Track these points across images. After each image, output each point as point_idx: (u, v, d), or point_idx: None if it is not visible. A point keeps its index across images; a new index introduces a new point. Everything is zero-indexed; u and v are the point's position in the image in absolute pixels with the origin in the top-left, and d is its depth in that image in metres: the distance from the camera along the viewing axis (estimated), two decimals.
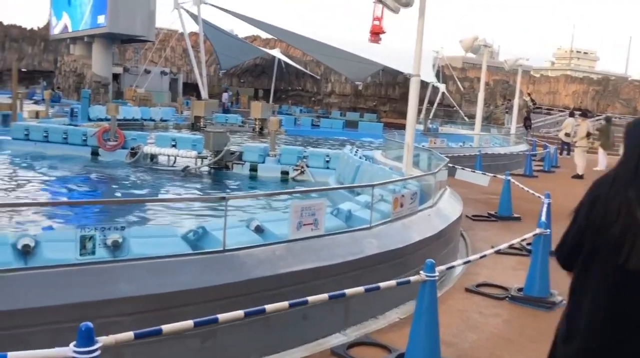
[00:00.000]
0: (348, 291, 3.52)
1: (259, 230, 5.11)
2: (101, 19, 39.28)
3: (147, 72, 45.72)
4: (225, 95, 38.90)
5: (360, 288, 3.59)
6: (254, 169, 14.51)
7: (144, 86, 42.72)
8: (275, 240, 4.70)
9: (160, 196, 11.85)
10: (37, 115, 22.82)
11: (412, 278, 3.89)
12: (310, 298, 3.32)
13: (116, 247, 4.05)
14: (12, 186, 11.51)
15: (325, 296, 3.41)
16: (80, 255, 3.70)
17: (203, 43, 46.33)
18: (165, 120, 27.79)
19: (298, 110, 45.12)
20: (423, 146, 13.58)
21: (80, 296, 3.46)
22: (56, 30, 48.73)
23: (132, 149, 15.15)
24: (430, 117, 38.78)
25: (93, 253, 3.75)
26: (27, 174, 12.97)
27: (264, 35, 55.20)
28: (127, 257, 3.92)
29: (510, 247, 5.75)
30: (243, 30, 60.33)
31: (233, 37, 52.48)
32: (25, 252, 3.98)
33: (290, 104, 50.46)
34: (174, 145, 14.97)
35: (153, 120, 27.28)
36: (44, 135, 15.86)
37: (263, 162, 14.57)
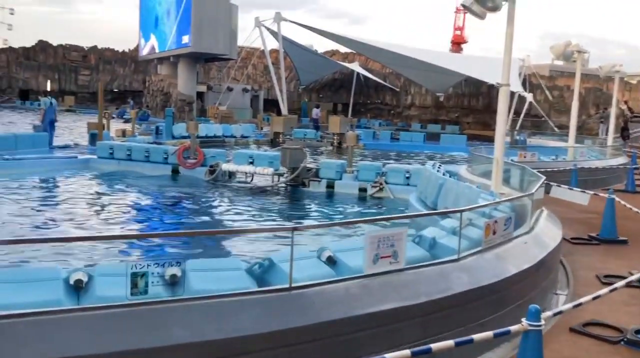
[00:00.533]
0: (434, 346, 2.94)
1: (331, 261, 4.60)
2: (185, 39, 40.62)
3: (230, 89, 46.82)
4: (315, 111, 38.74)
5: (449, 343, 2.99)
6: (330, 185, 14.10)
7: (226, 103, 43.71)
8: (350, 274, 4.16)
9: (234, 216, 11.63)
10: (123, 133, 23.63)
11: (512, 328, 3.24)
12: (388, 356, 2.76)
13: (174, 283, 3.68)
14: (92, 208, 11.67)
15: (407, 352, 2.84)
16: (131, 294, 3.33)
17: (283, 59, 46.93)
18: (245, 137, 28.08)
19: (377, 124, 44.54)
20: (512, 160, 12.63)
21: (129, 343, 3.07)
22: (144, 52, 51.00)
23: (211, 166, 15.17)
24: (517, 128, 37.00)
25: (145, 292, 3.37)
26: (108, 194, 13.20)
27: (343, 49, 55.21)
28: (184, 296, 3.52)
29: (628, 285, 4.91)
30: (322, 45, 60.60)
31: (312, 53, 52.85)
32: (77, 288, 3.68)
33: (370, 117, 49.99)
34: (251, 163, 14.85)
35: (234, 137, 27.65)
36: (127, 154, 16.23)
37: (340, 179, 14.12)
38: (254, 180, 14.89)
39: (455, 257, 4.74)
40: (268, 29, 47.70)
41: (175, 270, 3.76)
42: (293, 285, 3.75)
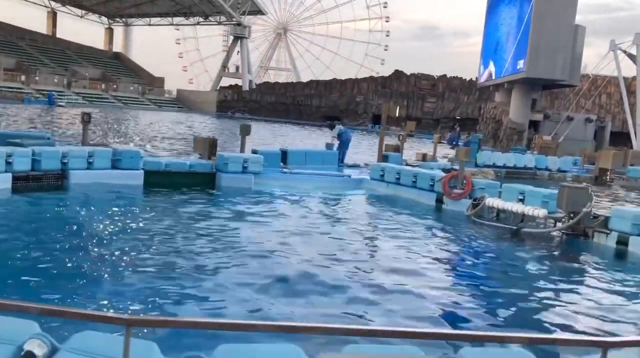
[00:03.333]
0: None
1: None
2: (520, 64, 38.13)
3: (570, 119, 42.22)
4: None
5: None
6: (623, 241, 10.35)
7: (563, 134, 39.61)
8: None
9: (473, 263, 9.35)
10: (424, 157, 22.87)
11: None
12: None
13: None
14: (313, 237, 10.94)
15: None
16: None
17: None
18: (563, 171, 24.26)
19: None
20: None
21: None
22: (483, 79, 49.99)
23: (475, 199, 12.99)
24: None
25: None
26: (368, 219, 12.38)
27: None
28: None
29: None
30: None
31: None
32: None
33: None
34: (521, 200, 12.12)
35: (549, 170, 24.24)
36: (396, 178, 15.21)
37: (639, 235, 10.25)
38: (524, 221, 12.08)
39: None
40: (626, 53, 41.65)
41: None
42: None
